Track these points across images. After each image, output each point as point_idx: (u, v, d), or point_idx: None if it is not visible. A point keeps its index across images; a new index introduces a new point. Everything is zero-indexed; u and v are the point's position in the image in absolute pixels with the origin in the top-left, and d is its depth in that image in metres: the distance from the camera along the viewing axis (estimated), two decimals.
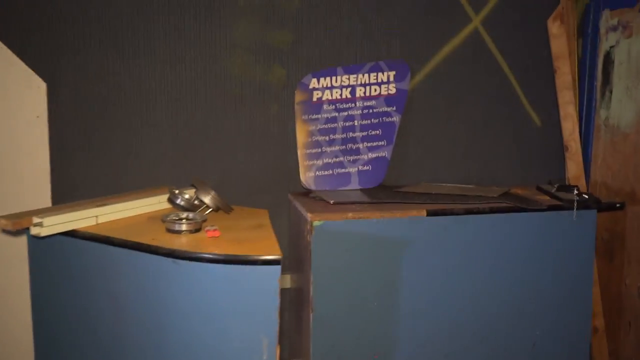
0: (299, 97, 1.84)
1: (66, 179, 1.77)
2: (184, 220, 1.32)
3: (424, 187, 1.83)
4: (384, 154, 1.85)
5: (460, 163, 2.02)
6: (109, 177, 1.81)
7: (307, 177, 1.81)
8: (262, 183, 1.90)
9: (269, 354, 1.16)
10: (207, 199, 1.44)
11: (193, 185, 1.50)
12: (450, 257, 1.56)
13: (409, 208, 1.53)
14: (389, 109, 1.86)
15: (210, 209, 1.47)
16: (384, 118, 1.86)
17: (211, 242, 1.23)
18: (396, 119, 1.85)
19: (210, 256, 1.14)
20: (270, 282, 1.14)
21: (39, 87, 1.69)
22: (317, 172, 1.82)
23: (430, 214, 1.52)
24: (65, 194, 1.75)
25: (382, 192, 1.72)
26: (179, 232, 1.29)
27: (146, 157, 1.82)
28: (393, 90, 1.86)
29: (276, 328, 1.16)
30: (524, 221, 1.59)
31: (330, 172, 1.83)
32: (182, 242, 1.23)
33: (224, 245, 1.21)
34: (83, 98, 1.76)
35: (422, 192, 1.70)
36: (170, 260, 1.17)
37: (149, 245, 1.19)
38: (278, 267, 1.13)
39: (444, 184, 1.90)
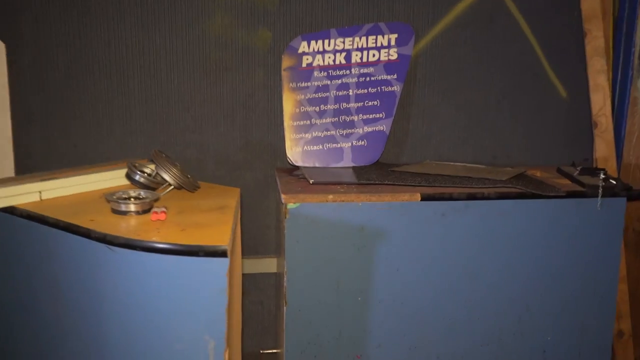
0: (286, 62, 1.63)
1: (31, 149, 1.62)
2: (131, 200, 1.15)
3: (426, 166, 1.61)
4: (382, 128, 1.63)
5: (472, 140, 1.78)
6: (78, 149, 1.65)
7: (293, 152, 1.62)
8: (247, 158, 1.71)
9: (215, 357, 0.99)
10: (166, 176, 1.26)
11: (152, 160, 1.33)
12: (448, 249, 1.35)
13: (401, 191, 1.32)
14: (389, 77, 1.63)
15: (172, 187, 1.30)
16: (383, 87, 1.63)
17: (155, 226, 1.06)
18: (397, 88, 1.63)
19: (146, 244, 0.97)
20: (216, 276, 0.96)
21: None
22: (306, 147, 1.62)
23: (425, 198, 1.30)
24: (30, 165, 1.61)
25: (376, 172, 1.51)
26: (125, 213, 1.12)
27: (118, 128, 1.65)
28: (394, 56, 1.63)
29: (224, 329, 0.98)
30: (537, 209, 1.36)
31: (320, 147, 1.62)
32: (122, 226, 1.06)
33: (168, 231, 1.03)
34: (47, 62, 1.59)
35: (420, 172, 1.48)
36: (104, 246, 1.00)
37: (81, 228, 1.02)
38: (225, 260, 0.95)
39: (450, 163, 1.67)
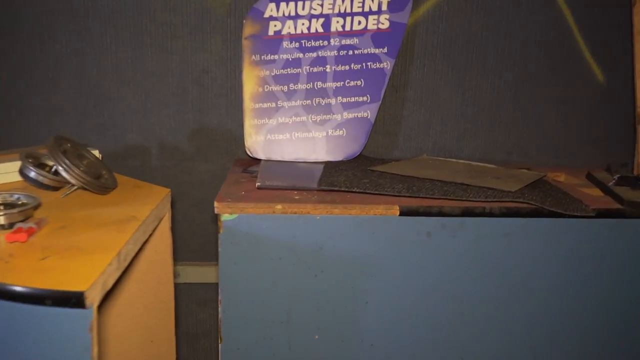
0: (248, 29, 1.30)
1: None
2: None
3: (417, 165, 1.27)
4: (366, 114, 1.30)
5: (481, 132, 1.44)
6: None
7: (254, 141, 1.30)
8: (201, 147, 1.41)
9: None
10: (64, 172, 0.96)
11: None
12: (434, 279, 1.03)
13: (375, 202, 1.00)
14: (377, 51, 1.29)
15: (75, 187, 1.00)
16: (369, 64, 1.30)
17: (9, 251, 0.76)
18: (387, 65, 1.29)
19: None
20: (74, 331, 0.66)
21: None
22: (269, 136, 1.30)
23: (406, 212, 0.98)
24: None
25: (351, 171, 1.19)
26: None
27: (40, 108, 1.36)
28: (385, 24, 1.29)
29: None
30: (556, 231, 1.02)
31: (287, 135, 1.30)
32: None
33: (22, 260, 0.74)
34: None
35: (406, 174, 1.15)
36: None
37: None
38: (84, 312, 0.65)
39: (452, 160, 1.34)
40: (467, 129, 1.43)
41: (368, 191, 1.02)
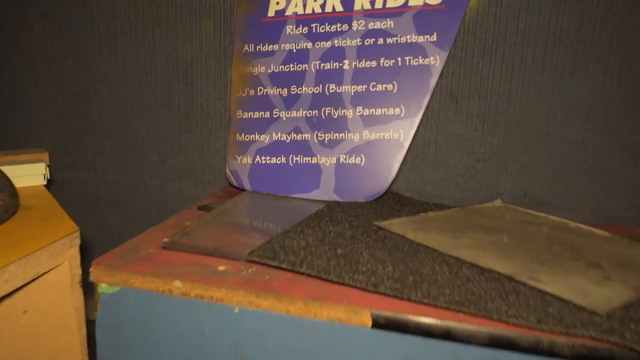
0: (242, 7, 0.94)
1: None
2: None
3: (466, 222, 0.80)
4: (397, 135, 0.86)
5: (597, 166, 0.91)
6: None
7: (237, 163, 0.94)
8: (188, 163, 1.08)
9: None
10: None
11: None
12: None
13: (342, 295, 0.57)
14: (421, 39, 0.85)
15: None
16: (408, 58, 0.86)
17: None
18: (435, 61, 0.84)
19: None
20: None
21: None
22: (258, 158, 0.93)
23: (381, 324, 0.54)
24: None
25: (345, 225, 0.76)
26: None
27: (16, 107, 1.14)
28: (435, 0, 0.84)
29: None
30: None
31: (283, 159, 0.92)
32: None
33: None
34: None
35: (430, 245, 0.68)
36: None
37: None
38: None
39: (535, 214, 0.83)
40: (569, 163, 0.91)
41: (322, 276, 0.58)
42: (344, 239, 0.68)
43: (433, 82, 0.84)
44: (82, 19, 1.05)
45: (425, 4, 0.85)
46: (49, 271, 0.74)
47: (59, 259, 0.75)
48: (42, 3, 1.07)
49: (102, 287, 0.62)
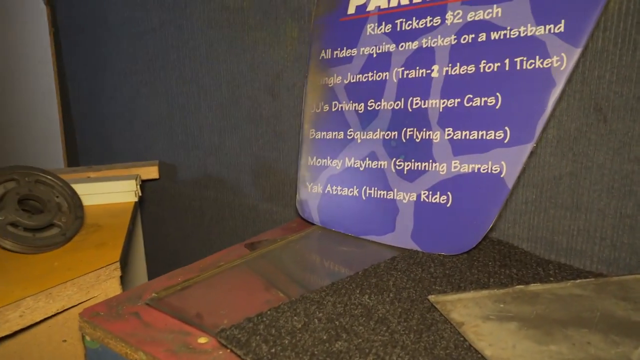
0: (321, 5, 0.79)
1: None
2: None
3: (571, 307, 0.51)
4: (496, 169, 0.61)
5: None
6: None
7: (307, 192, 0.79)
8: (276, 182, 0.97)
9: None
10: None
11: None
12: None
13: None
14: (540, 31, 0.58)
15: None
16: (520, 59, 0.60)
17: None
18: (561, 63, 0.57)
19: None
20: None
21: None
22: (329, 187, 0.77)
23: None
24: None
25: (400, 300, 0.55)
26: None
27: (133, 125, 1.17)
28: None
29: None
30: None
31: (355, 191, 0.74)
32: None
33: None
34: None
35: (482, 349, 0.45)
36: None
37: None
38: None
39: None
40: None
41: None
42: (365, 323, 0.48)
43: (556, 93, 0.57)
44: (185, 29, 1.02)
45: None
46: (81, 303, 0.70)
47: (92, 292, 0.70)
48: (152, 20, 1.07)
49: (87, 340, 0.55)
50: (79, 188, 0.92)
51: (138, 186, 0.98)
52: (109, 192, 0.95)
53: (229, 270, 0.65)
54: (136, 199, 0.97)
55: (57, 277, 0.68)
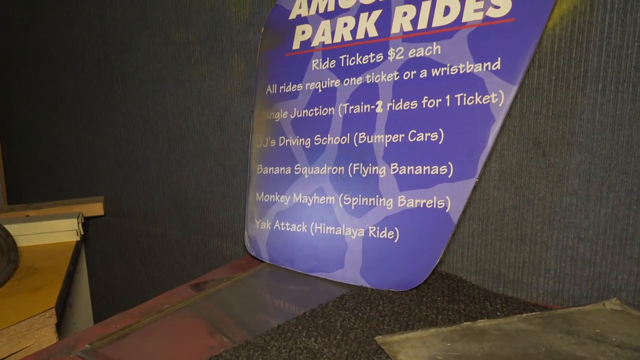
0: (265, 40, 0.78)
1: None
2: None
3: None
4: (441, 204, 0.61)
5: None
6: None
7: (256, 228, 0.77)
8: (225, 218, 0.95)
9: None
10: None
11: None
12: None
13: None
14: (478, 69, 0.59)
15: None
16: (460, 96, 0.61)
17: None
18: (499, 100, 0.58)
19: None
20: None
21: None
22: (277, 223, 0.75)
23: None
24: None
25: (346, 342, 0.54)
26: None
27: (78, 155, 1.13)
28: (503, 8, 0.58)
29: None
30: None
31: (303, 227, 0.72)
32: None
33: None
34: None
35: None
36: None
37: None
38: None
39: None
40: None
41: None
42: None
43: (496, 128, 0.58)
44: (130, 63, 1.00)
45: (486, 18, 0.60)
46: (11, 355, 0.65)
47: (24, 342, 0.66)
48: (96, 54, 1.05)
49: None
50: (15, 228, 0.88)
51: (80, 224, 0.93)
52: (48, 232, 0.91)
53: (172, 315, 0.62)
54: (78, 238, 0.93)
55: None
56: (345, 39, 0.71)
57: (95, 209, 1.07)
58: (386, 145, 0.66)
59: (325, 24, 0.73)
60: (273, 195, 0.76)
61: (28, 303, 0.70)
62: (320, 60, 0.73)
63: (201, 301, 0.65)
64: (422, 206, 0.62)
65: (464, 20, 0.62)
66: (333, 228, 0.70)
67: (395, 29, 0.66)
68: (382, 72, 0.67)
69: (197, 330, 0.58)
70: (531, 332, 0.53)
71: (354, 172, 0.68)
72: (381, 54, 0.67)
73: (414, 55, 0.65)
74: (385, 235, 0.65)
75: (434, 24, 0.64)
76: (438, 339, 0.52)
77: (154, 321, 0.60)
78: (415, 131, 0.64)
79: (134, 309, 0.64)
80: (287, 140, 0.75)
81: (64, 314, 1.01)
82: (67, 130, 1.16)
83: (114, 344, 0.54)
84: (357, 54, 0.69)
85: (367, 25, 0.69)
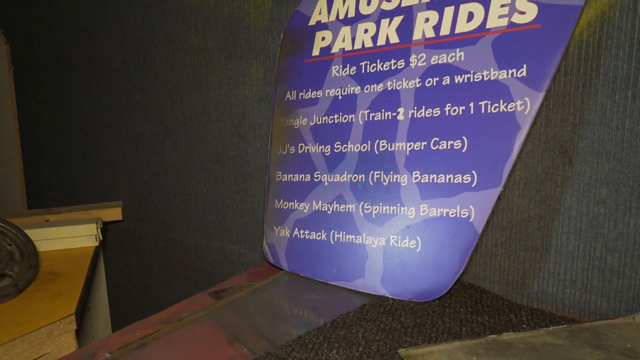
0: (285, 47, 0.78)
1: None
2: None
3: None
4: (464, 213, 0.60)
5: None
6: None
7: (275, 235, 0.77)
8: (245, 225, 0.95)
9: None
10: None
11: None
12: None
13: None
14: (503, 75, 0.58)
15: None
16: (483, 103, 0.60)
17: None
18: (524, 107, 0.57)
19: None
20: None
21: None
22: (297, 231, 0.74)
23: None
24: None
25: (369, 354, 0.53)
26: None
27: (98, 163, 1.14)
28: (528, 14, 0.57)
29: None
30: None
31: (323, 235, 0.72)
32: None
33: None
34: None
35: None
36: None
37: None
38: None
39: None
40: None
41: None
42: None
43: (522, 136, 0.57)
44: (149, 70, 1.00)
45: (511, 24, 0.59)
46: None
47: (44, 348, 0.66)
48: (115, 60, 1.05)
49: None
50: (35, 234, 0.88)
51: (99, 230, 0.94)
52: (67, 237, 0.91)
53: (191, 324, 0.61)
54: (97, 244, 0.93)
55: (4, 334, 0.64)
56: (366, 45, 0.70)
57: (114, 214, 1.07)
58: (408, 153, 0.65)
59: (345, 30, 0.72)
60: (292, 203, 0.75)
61: (48, 309, 0.70)
62: (341, 66, 0.72)
63: (220, 310, 0.65)
64: (444, 215, 0.61)
65: (488, 26, 0.60)
66: (353, 236, 0.69)
67: (417, 35, 0.66)
68: (404, 79, 0.66)
69: (217, 339, 0.57)
70: (559, 347, 0.52)
71: (375, 180, 0.67)
72: (403, 60, 0.66)
73: (436, 61, 0.64)
74: (407, 244, 0.64)
75: (457, 30, 0.62)
76: (463, 353, 0.51)
77: (173, 330, 0.59)
78: (437, 139, 0.63)
79: (153, 316, 0.64)
80: (306, 147, 0.74)
81: (82, 319, 1.01)
82: (86, 135, 1.17)
83: (133, 353, 0.54)
84: (378, 61, 0.68)
85: (389, 31, 0.68)
